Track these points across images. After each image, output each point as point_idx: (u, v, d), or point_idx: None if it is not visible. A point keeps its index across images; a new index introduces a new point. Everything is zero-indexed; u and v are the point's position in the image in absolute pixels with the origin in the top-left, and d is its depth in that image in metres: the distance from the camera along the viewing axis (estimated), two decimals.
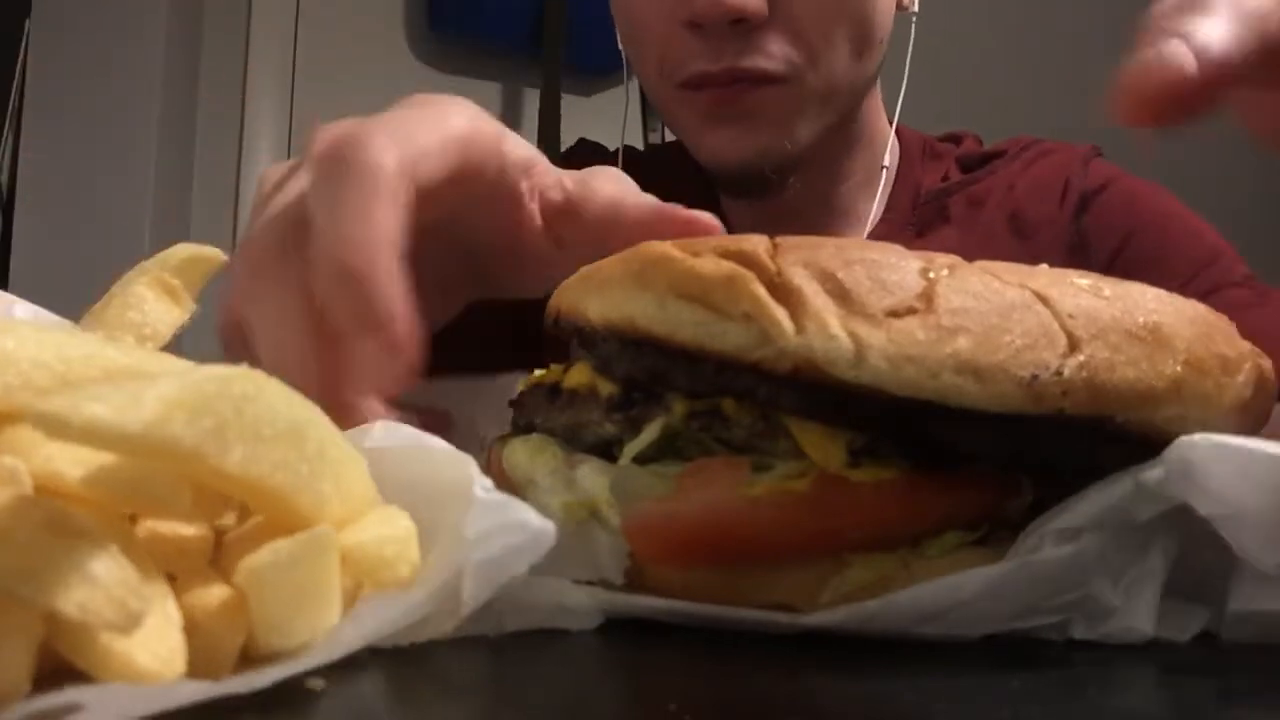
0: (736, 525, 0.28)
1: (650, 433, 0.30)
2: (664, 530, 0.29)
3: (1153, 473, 0.27)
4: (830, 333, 0.27)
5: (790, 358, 0.27)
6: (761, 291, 0.28)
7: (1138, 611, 0.28)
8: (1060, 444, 0.28)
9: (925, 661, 0.26)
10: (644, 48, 0.75)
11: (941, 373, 0.26)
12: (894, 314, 0.27)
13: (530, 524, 0.23)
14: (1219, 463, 0.26)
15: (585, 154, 0.92)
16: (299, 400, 0.22)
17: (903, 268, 0.28)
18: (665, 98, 0.76)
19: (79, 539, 0.19)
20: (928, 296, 0.27)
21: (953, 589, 0.27)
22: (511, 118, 2.27)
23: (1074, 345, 0.27)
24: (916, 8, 0.83)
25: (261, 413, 0.21)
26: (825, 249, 0.29)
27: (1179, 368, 0.28)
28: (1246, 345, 0.31)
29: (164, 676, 0.19)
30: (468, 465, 0.25)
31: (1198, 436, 0.27)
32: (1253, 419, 0.30)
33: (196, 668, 0.20)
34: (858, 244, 0.29)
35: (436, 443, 0.28)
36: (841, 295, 0.27)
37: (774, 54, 0.69)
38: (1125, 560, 0.28)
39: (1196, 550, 0.28)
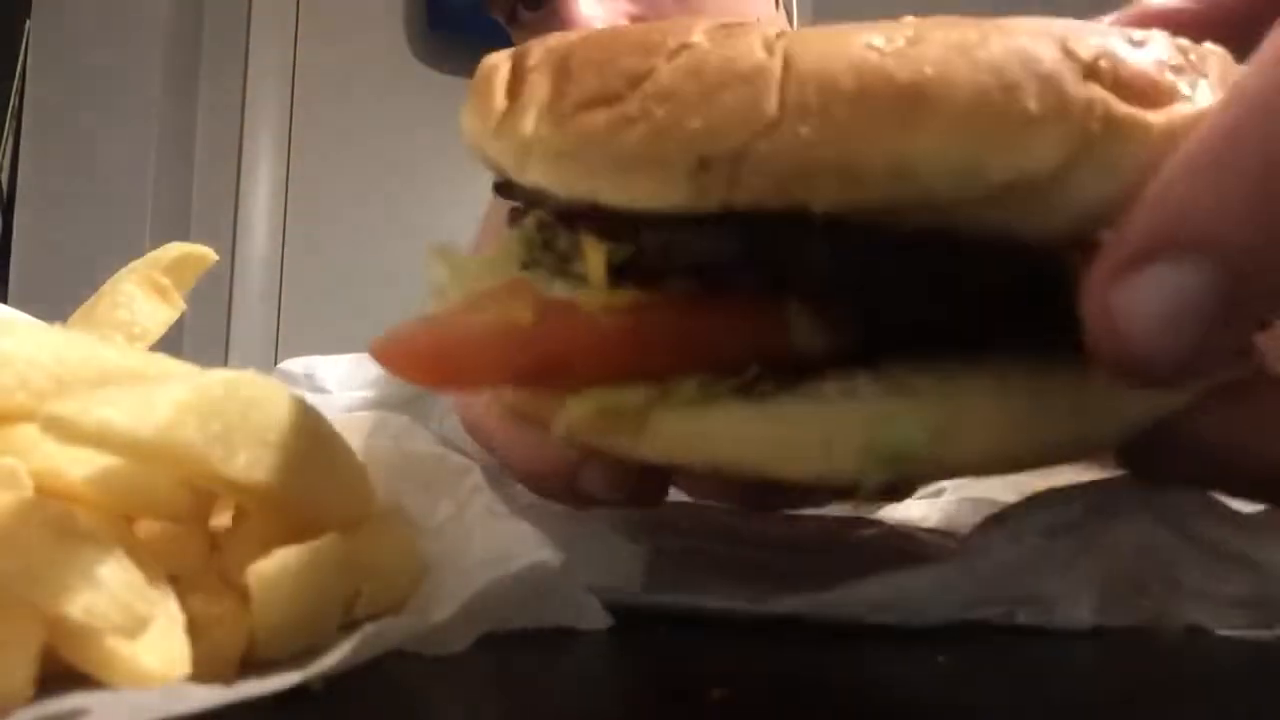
0: (456, 343, 0.24)
1: (509, 240, 0.27)
2: (400, 345, 0.25)
3: (1106, 493, 0.28)
4: (513, 126, 0.23)
5: (505, 173, 0.24)
6: (496, 79, 0.25)
7: (1078, 599, 0.28)
8: (800, 253, 0.22)
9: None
10: None
11: (597, 173, 0.22)
12: (589, 104, 0.22)
13: (542, 552, 0.23)
14: (1169, 500, 0.28)
15: None
16: (303, 405, 0.22)
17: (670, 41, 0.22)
18: None
19: (83, 542, 0.19)
20: (640, 78, 0.22)
21: (906, 581, 0.27)
22: None
23: (775, 121, 0.21)
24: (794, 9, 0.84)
25: (266, 418, 0.21)
26: (625, 37, 0.23)
27: (926, 136, 0.20)
28: (1091, 94, 0.21)
29: (169, 678, 0.19)
30: (476, 475, 0.25)
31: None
32: (1099, 177, 0.21)
33: (199, 670, 0.20)
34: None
35: (431, 439, 0.28)
36: (560, 77, 0.23)
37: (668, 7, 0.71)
38: (1066, 556, 0.28)
39: (1144, 542, 0.28)
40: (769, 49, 0.22)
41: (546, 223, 0.26)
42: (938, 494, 0.45)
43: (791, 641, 0.28)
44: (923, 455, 0.22)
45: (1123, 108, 0.21)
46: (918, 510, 0.41)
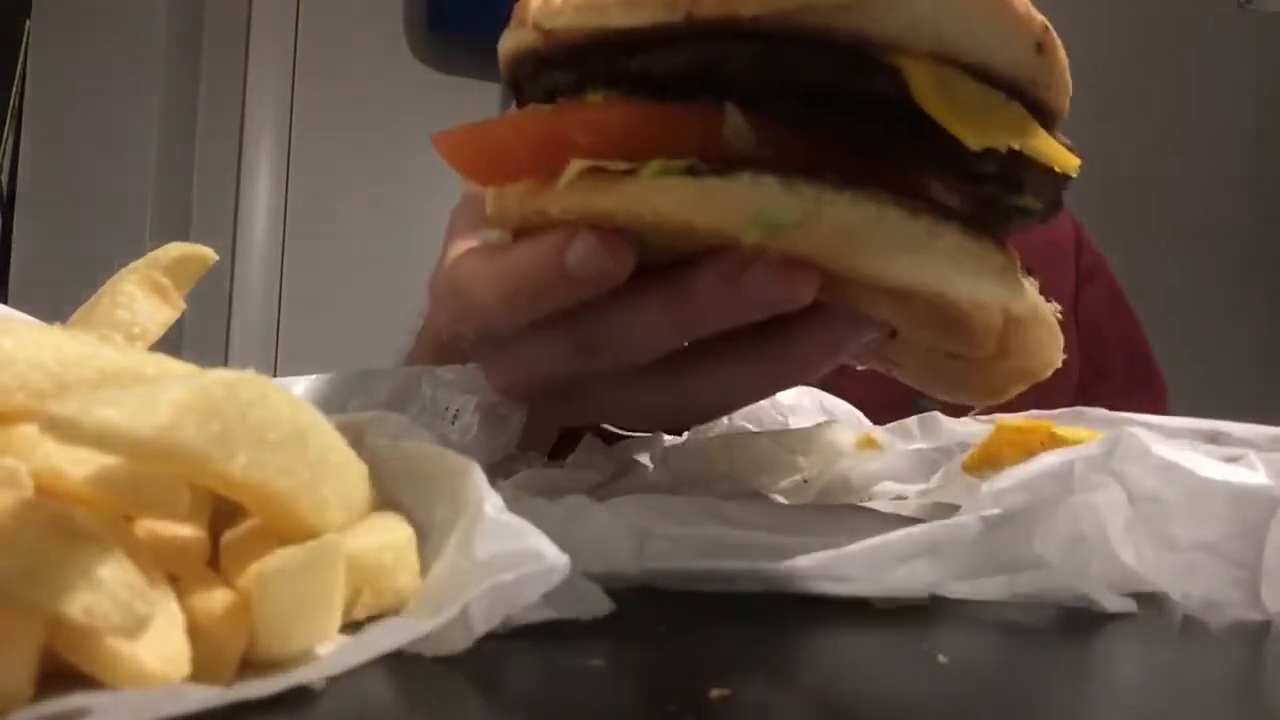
0: (496, 135, 0.35)
1: (545, 82, 0.36)
2: (455, 137, 0.35)
3: (1090, 452, 0.30)
4: (548, 2, 0.34)
5: (532, 27, 0.34)
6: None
7: (1071, 571, 0.30)
8: (735, 57, 0.32)
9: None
10: None
11: (608, 8, 0.32)
12: None
13: (545, 554, 0.23)
14: (1148, 453, 0.30)
15: None
16: (302, 405, 0.22)
17: None
18: None
19: (83, 542, 0.19)
20: None
21: (904, 542, 0.30)
22: None
23: None
24: None
25: (266, 417, 0.21)
26: None
27: None
28: None
29: (169, 678, 0.19)
30: (475, 472, 0.25)
31: (1134, 429, 0.30)
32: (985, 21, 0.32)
33: (199, 671, 0.20)
34: None
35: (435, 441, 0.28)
36: None
37: None
38: (1062, 525, 0.30)
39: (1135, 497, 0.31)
40: None
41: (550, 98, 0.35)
42: (900, 498, 0.46)
43: (791, 641, 0.28)
44: (787, 230, 0.31)
45: None
46: (883, 508, 0.42)
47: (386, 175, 2.16)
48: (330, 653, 0.22)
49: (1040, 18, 0.33)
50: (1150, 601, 0.30)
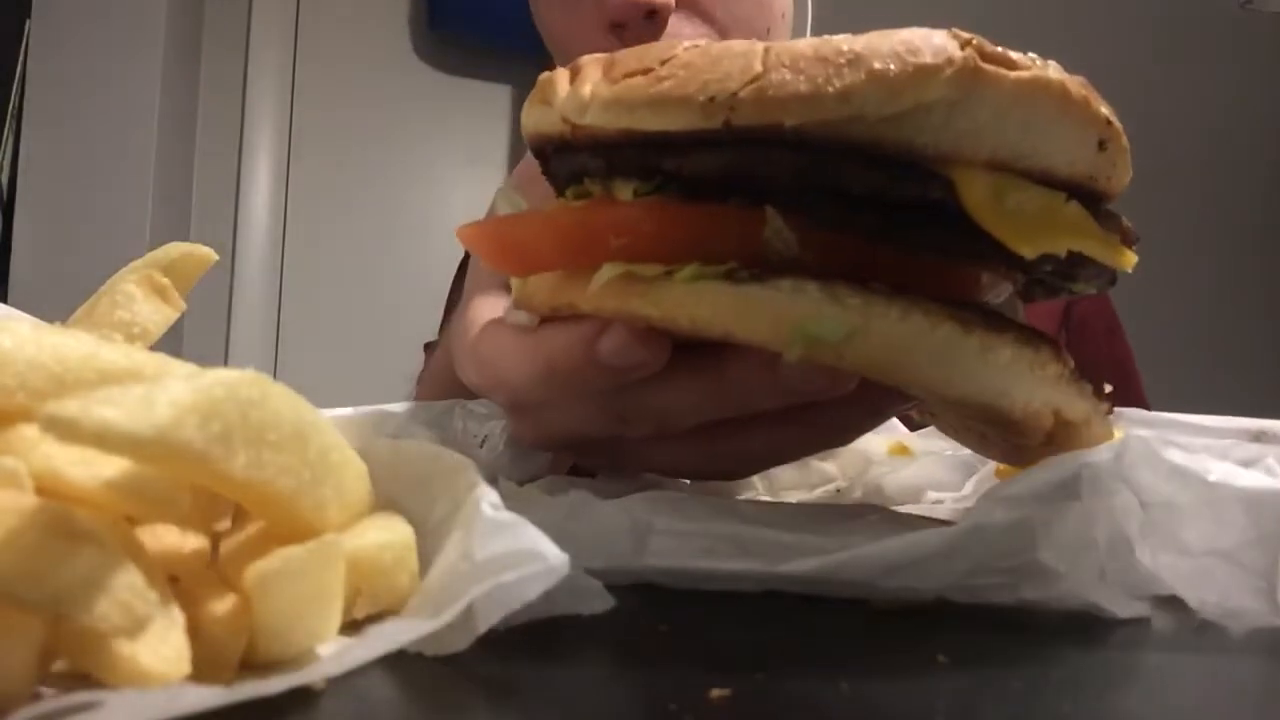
0: (524, 231, 0.35)
1: (572, 163, 0.35)
2: (479, 233, 0.35)
3: (1099, 458, 0.30)
4: (575, 92, 0.33)
5: (559, 117, 0.33)
6: (559, 76, 0.34)
7: (1080, 579, 0.30)
8: (777, 163, 0.31)
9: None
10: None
11: (637, 108, 0.31)
12: (631, 75, 0.32)
13: (545, 554, 0.23)
14: (1158, 459, 0.30)
15: None
16: (302, 405, 0.22)
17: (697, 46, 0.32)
18: None
19: (84, 543, 0.19)
20: (666, 59, 0.32)
21: (913, 545, 0.29)
22: (513, 119, 2.27)
23: (760, 74, 0.30)
24: None
25: (266, 417, 0.21)
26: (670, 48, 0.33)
27: (859, 77, 0.30)
28: (966, 54, 0.30)
29: (169, 678, 0.19)
30: (472, 472, 0.25)
31: (1141, 433, 0.30)
32: (971, 109, 0.30)
33: (199, 671, 0.20)
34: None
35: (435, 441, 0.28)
36: (608, 67, 0.33)
37: (687, 34, 0.74)
38: (1069, 532, 0.30)
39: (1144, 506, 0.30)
40: (753, 43, 0.31)
41: (582, 190, 0.35)
42: (937, 503, 0.45)
43: (791, 641, 0.28)
44: (833, 346, 0.30)
45: (987, 65, 0.30)
46: (919, 512, 0.41)
47: (386, 174, 2.16)
48: (330, 653, 0.22)
49: (1103, 111, 0.32)
50: (1163, 605, 0.30)
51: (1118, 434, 0.35)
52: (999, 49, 0.31)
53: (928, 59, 0.30)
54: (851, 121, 0.30)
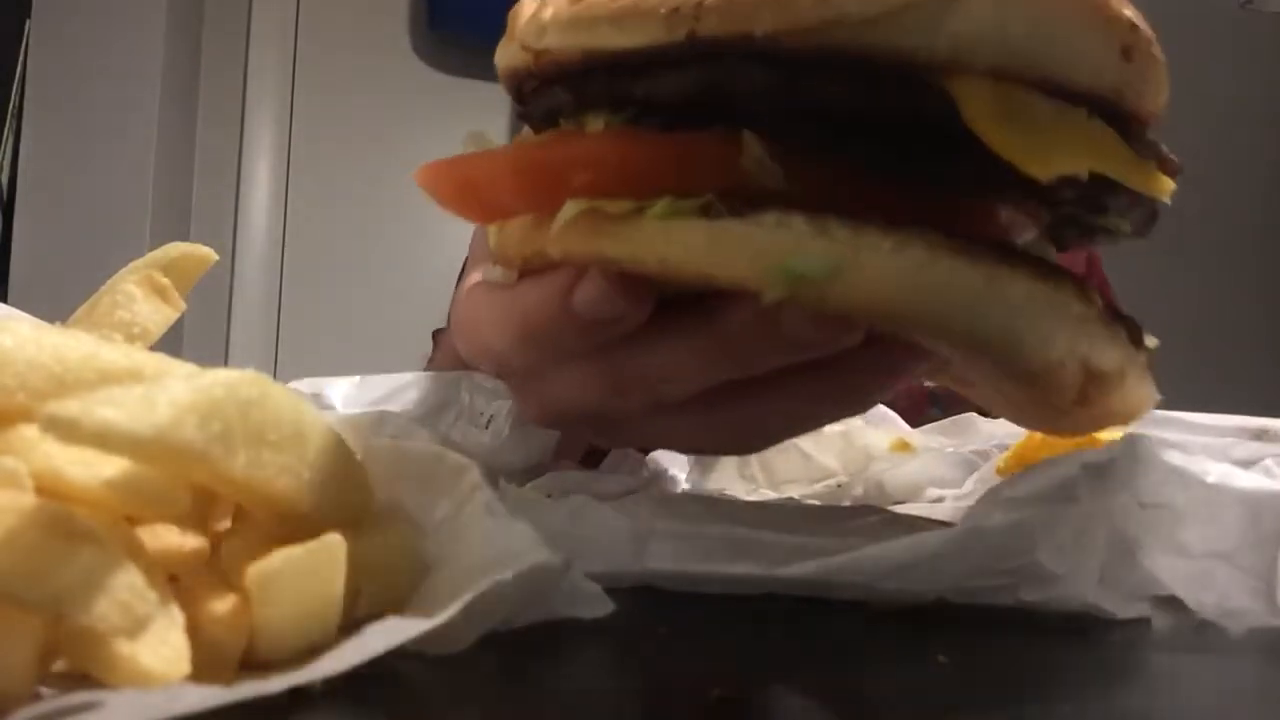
0: (482, 169, 0.31)
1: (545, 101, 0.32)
2: (435, 172, 0.32)
3: (1098, 458, 0.29)
4: (535, 17, 0.30)
5: (519, 45, 0.31)
6: (525, 5, 0.32)
7: (1078, 579, 0.29)
8: (750, 80, 0.27)
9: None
10: None
11: (597, 25, 0.28)
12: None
13: (544, 553, 0.23)
14: (1157, 460, 0.30)
15: None
16: (302, 405, 0.22)
17: None
18: None
19: (84, 542, 0.19)
20: None
21: (912, 547, 0.29)
22: (513, 119, 2.28)
23: None
24: None
25: (266, 417, 0.21)
26: None
27: None
28: None
29: (169, 678, 0.19)
30: (473, 472, 0.25)
31: (1142, 435, 0.30)
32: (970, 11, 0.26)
33: (199, 671, 0.20)
34: None
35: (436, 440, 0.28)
36: None
37: None
38: (1068, 534, 0.29)
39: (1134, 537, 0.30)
40: None
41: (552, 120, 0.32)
42: (938, 500, 0.46)
43: (791, 641, 0.28)
44: (818, 284, 0.26)
45: None
46: (918, 511, 0.42)
47: (386, 174, 2.16)
48: (330, 653, 0.22)
49: (1126, 14, 0.28)
50: (1163, 605, 0.30)
51: (1117, 434, 0.35)
52: None
53: None
54: (831, 26, 0.26)
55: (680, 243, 0.27)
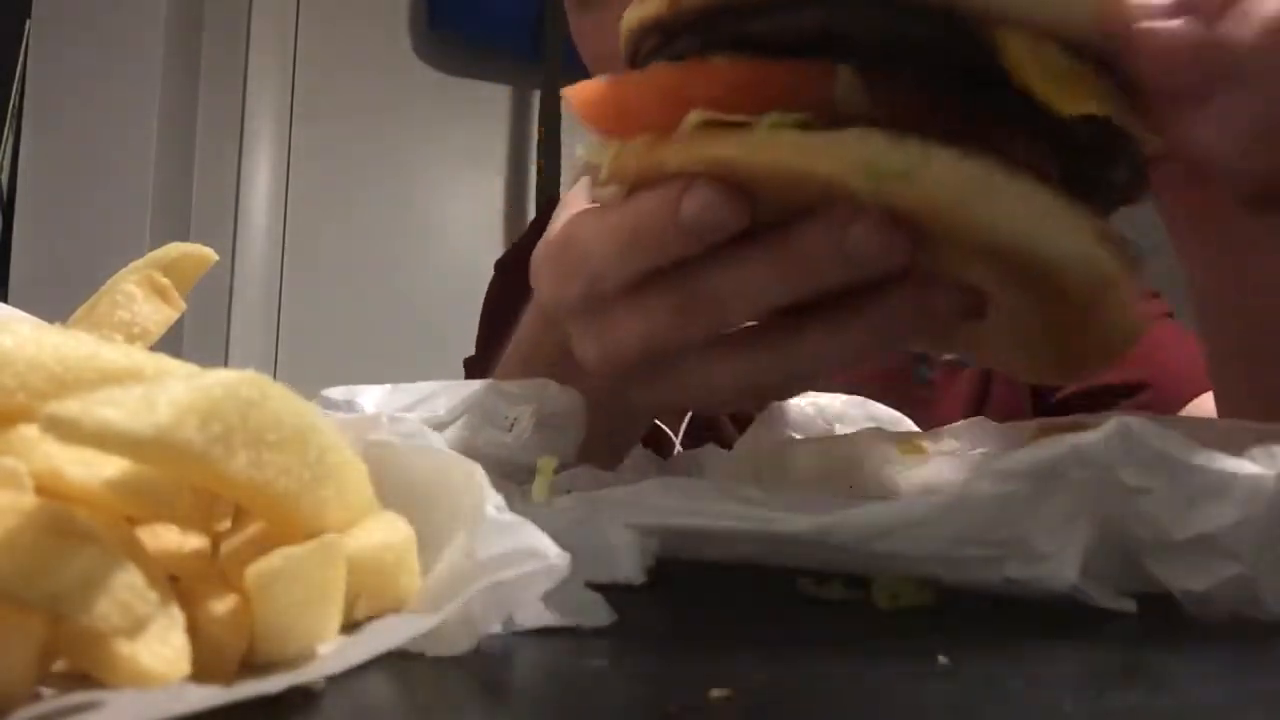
0: (627, 90, 0.36)
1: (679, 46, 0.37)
2: (584, 93, 0.37)
3: (1088, 438, 0.30)
4: None
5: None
6: None
7: (1065, 560, 0.30)
8: (846, 19, 0.34)
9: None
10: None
11: None
12: None
13: (545, 552, 0.23)
14: (1146, 443, 0.30)
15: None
16: (303, 406, 0.22)
17: None
18: None
19: (84, 542, 0.19)
20: None
21: (903, 511, 0.30)
22: (513, 119, 2.28)
23: None
24: None
25: (266, 418, 0.21)
26: None
27: None
28: None
29: (169, 678, 0.19)
30: (478, 474, 0.25)
31: (1132, 419, 0.30)
32: None
33: (199, 671, 0.20)
34: None
35: (438, 441, 0.28)
36: None
37: None
38: (1054, 513, 0.30)
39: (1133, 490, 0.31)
40: None
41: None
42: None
43: (791, 641, 0.28)
44: (896, 178, 0.32)
45: None
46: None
47: (387, 174, 2.16)
48: (330, 652, 0.22)
49: None
50: (1159, 602, 0.30)
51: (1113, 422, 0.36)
52: None
53: None
54: None
55: (785, 147, 0.33)
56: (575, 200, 0.44)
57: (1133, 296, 0.35)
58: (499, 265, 1.05)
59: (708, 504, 0.33)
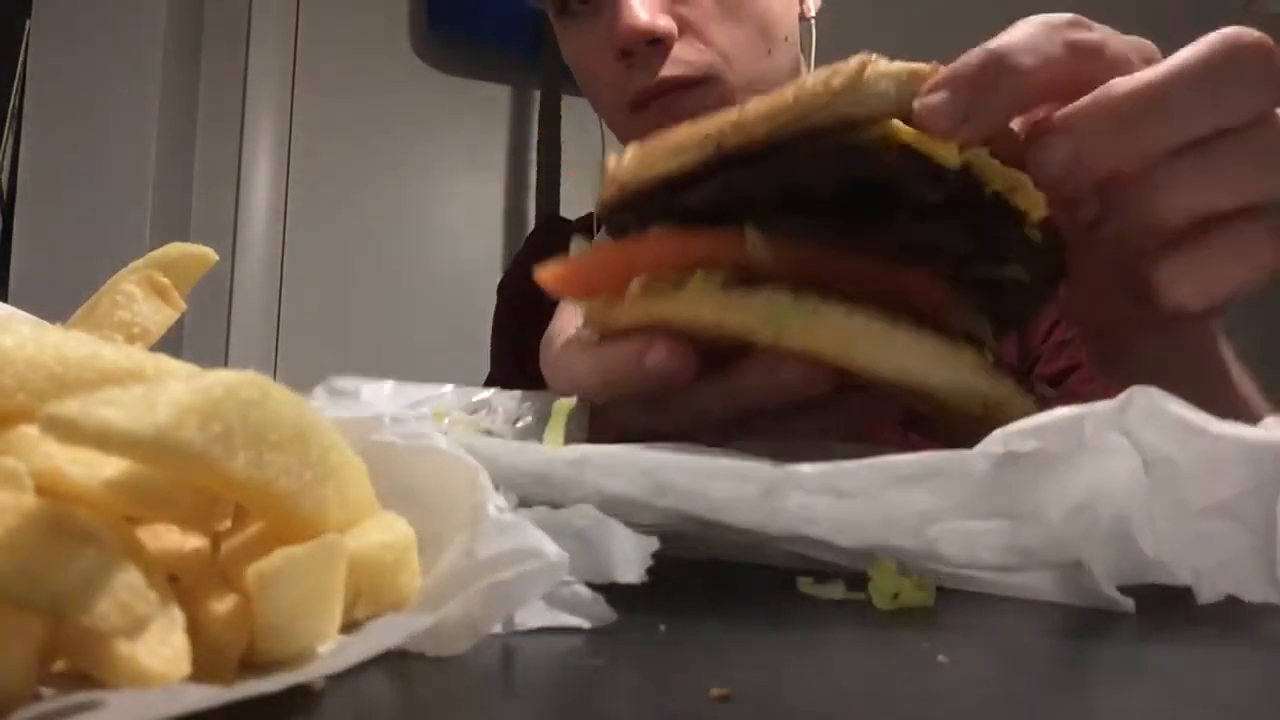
0: (582, 265, 0.44)
1: (621, 220, 0.44)
2: (554, 273, 0.44)
3: (1102, 407, 0.30)
4: (619, 160, 0.42)
5: (611, 181, 0.43)
6: (611, 160, 0.43)
7: (1070, 533, 0.30)
8: (754, 178, 0.39)
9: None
10: (597, 91, 0.88)
11: (658, 160, 0.40)
12: (649, 146, 0.41)
13: (545, 552, 0.23)
14: (1164, 410, 0.30)
15: (554, 228, 1.16)
16: (303, 406, 0.22)
17: None
18: (623, 128, 0.87)
19: (83, 542, 0.19)
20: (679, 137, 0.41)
21: (903, 465, 0.31)
22: (513, 119, 2.28)
23: (740, 113, 0.39)
24: (813, 14, 0.93)
25: (266, 418, 0.21)
26: None
27: (797, 95, 0.38)
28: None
29: (169, 678, 0.19)
30: (479, 475, 0.25)
31: (1148, 388, 0.30)
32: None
33: (199, 671, 0.20)
34: None
35: (441, 441, 0.28)
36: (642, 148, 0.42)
37: (692, 60, 0.81)
38: (1065, 484, 0.30)
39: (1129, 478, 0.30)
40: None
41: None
42: None
43: (791, 641, 0.28)
44: (793, 331, 0.38)
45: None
46: None
47: (386, 174, 2.16)
48: (330, 651, 0.22)
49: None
50: (1164, 599, 0.30)
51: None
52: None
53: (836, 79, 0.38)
54: (802, 119, 0.38)
55: (706, 306, 0.39)
56: (567, 316, 0.52)
57: (1029, 406, 0.38)
58: (500, 289, 1.14)
59: (688, 456, 0.34)
